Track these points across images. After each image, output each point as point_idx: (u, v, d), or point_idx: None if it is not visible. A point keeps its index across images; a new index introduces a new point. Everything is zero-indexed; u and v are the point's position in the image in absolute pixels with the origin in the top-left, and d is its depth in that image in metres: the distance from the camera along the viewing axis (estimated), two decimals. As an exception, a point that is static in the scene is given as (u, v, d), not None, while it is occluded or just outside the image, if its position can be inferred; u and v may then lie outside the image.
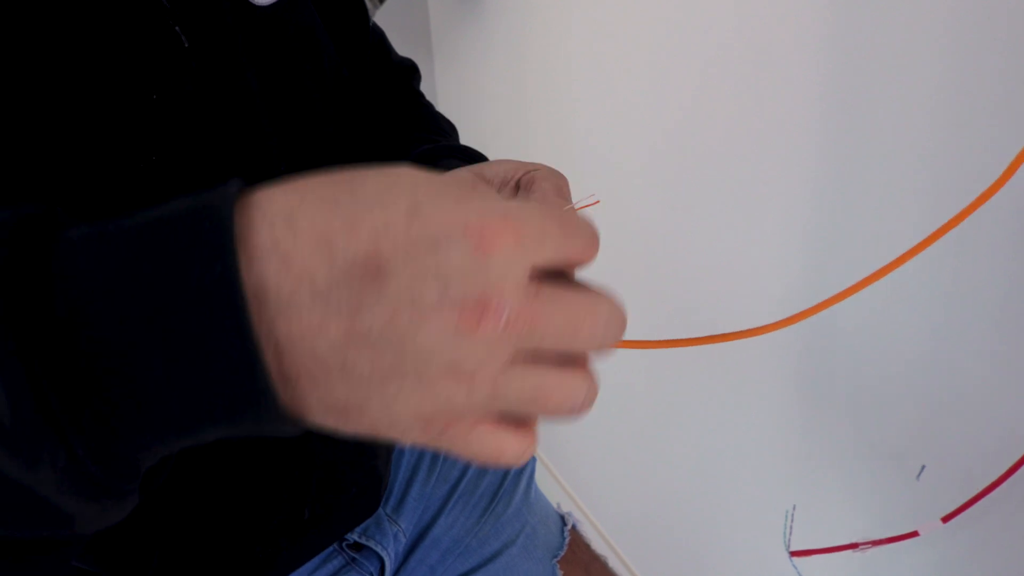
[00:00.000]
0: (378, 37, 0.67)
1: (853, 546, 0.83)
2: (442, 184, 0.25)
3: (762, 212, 0.87)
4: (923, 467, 0.74)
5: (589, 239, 0.26)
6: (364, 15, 0.63)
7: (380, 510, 0.63)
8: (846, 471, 0.87)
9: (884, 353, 0.76)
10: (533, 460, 0.75)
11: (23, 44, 0.36)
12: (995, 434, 0.67)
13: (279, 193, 0.24)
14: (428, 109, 0.68)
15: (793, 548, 0.89)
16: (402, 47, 0.73)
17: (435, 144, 0.60)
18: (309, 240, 0.23)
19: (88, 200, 0.40)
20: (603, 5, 1.08)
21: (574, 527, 0.71)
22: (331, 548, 0.60)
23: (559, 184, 0.45)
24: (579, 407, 0.26)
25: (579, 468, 1.57)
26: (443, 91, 1.75)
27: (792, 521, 0.93)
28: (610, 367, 1.28)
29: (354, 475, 0.57)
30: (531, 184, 0.45)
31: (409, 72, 0.69)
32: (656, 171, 1.07)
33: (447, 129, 0.66)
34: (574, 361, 0.26)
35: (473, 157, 0.57)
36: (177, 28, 0.41)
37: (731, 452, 1.05)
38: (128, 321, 0.22)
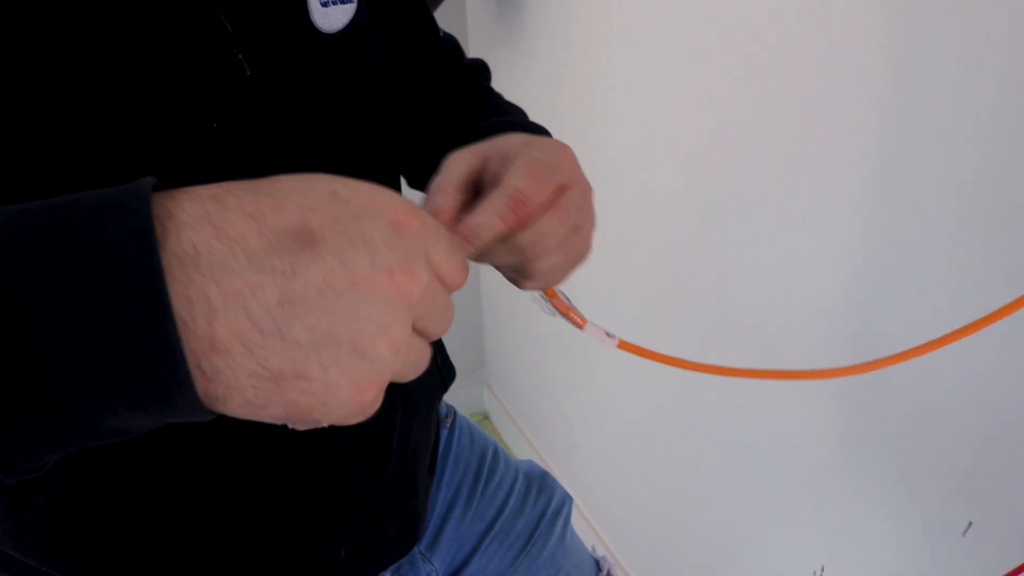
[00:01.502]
0: (451, 45, 0.65)
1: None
2: (354, 180, 0.27)
3: (809, 243, 0.85)
4: (970, 523, 0.70)
5: (464, 265, 0.30)
6: (433, 31, 0.61)
7: (414, 548, 0.61)
8: (886, 525, 0.84)
9: (935, 400, 0.73)
10: (570, 502, 0.73)
11: (83, 71, 0.35)
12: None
13: (204, 186, 0.25)
14: (497, 98, 0.64)
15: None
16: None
17: (503, 119, 0.56)
18: (239, 213, 0.24)
19: None
20: (642, 23, 1.07)
21: (609, 572, 0.70)
22: (365, 586, 0.59)
23: (537, 159, 0.39)
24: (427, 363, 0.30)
25: (613, 512, 1.53)
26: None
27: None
28: (646, 408, 1.27)
29: (394, 515, 0.56)
30: (512, 160, 0.40)
31: (479, 71, 0.66)
32: (692, 191, 1.05)
33: (512, 110, 0.62)
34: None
35: (536, 129, 0.53)
36: (240, 56, 0.40)
37: (769, 499, 1.03)
38: (36, 275, 0.22)
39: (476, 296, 2.03)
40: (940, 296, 0.69)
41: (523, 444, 1.89)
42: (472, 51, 1.78)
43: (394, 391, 0.54)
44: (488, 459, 0.71)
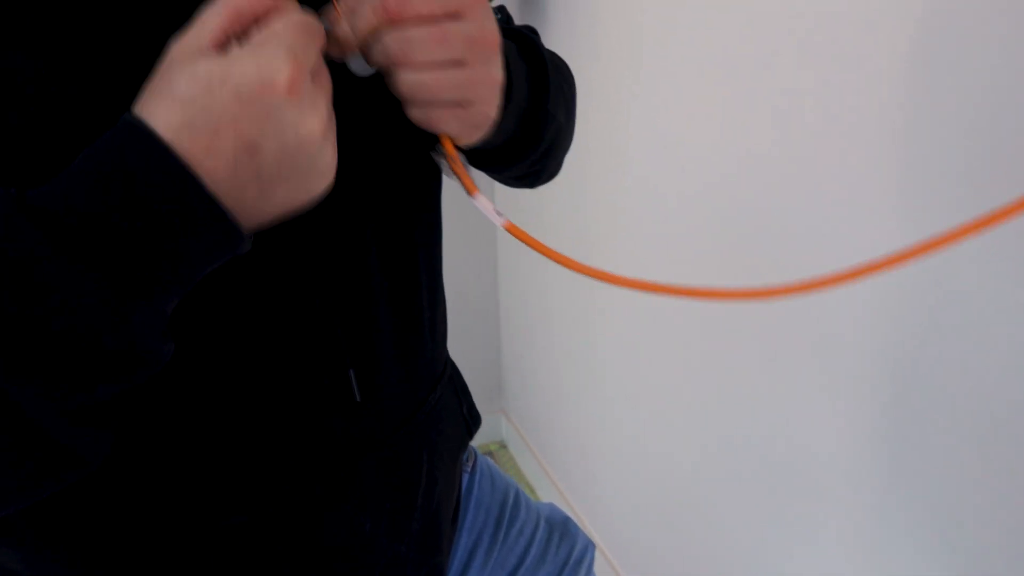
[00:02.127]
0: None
1: None
2: (233, 60, 0.33)
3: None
4: None
5: (310, 33, 0.35)
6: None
7: None
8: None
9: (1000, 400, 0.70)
10: (592, 549, 0.72)
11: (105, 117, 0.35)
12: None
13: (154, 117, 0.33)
14: (547, 52, 0.59)
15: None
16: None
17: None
18: (201, 150, 0.32)
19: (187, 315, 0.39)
20: (668, 31, 1.06)
21: None
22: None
23: None
24: None
25: (638, 559, 1.50)
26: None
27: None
28: (670, 441, 1.25)
29: (417, 571, 0.55)
30: None
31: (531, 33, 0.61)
32: (717, 201, 1.04)
33: (559, 63, 0.59)
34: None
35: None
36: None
37: (807, 539, 1.01)
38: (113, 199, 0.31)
39: (495, 327, 2.02)
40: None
41: (540, 474, 1.87)
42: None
43: (420, 443, 0.54)
44: (509, 504, 0.69)
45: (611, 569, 1.56)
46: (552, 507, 0.74)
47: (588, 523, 1.69)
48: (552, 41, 1.42)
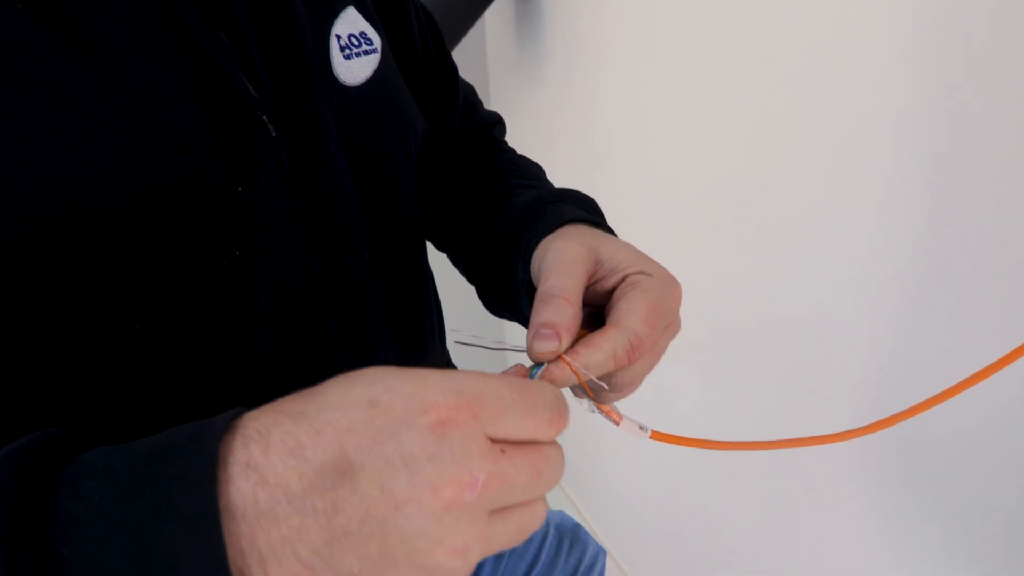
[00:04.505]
0: (465, 94, 0.63)
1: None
2: (400, 373, 0.26)
3: (844, 286, 0.80)
4: None
5: (552, 416, 0.28)
6: (453, 72, 0.60)
7: None
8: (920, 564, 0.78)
9: (979, 432, 0.66)
10: (603, 556, 0.69)
11: (101, 141, 0.33)
12: None
13: (260, 414, 0.26)
14: (511, 154, 0.63)
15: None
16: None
17: (539, 190, 0.53)
18: (280, 452, 0.24)
19: (174, 310, 0.36)
20: (664, 48, 1.03)
21: None
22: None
23: (657, 301, 0.38)
24: (541, 521, 0.29)
25: (649, 567, 1.46)
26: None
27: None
28: (668, 462, 1.21)
29: None
30: (627, 292, 0.38)
31: (492, 125, 0.65)
32: (721, 219, 1.01)
33: (535, 171, 0.60)
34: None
35: (584, 202, 0.51)
36: (264, 117, 0.38)
37: (812, 546, 0.97)
38: (113, 549, 0.23)
39: (499, 329, 1.98)
40: (982, 336, 0.63)
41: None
42: (493, 83, 1.76)
43: None
44: (519, 512, 0.65)
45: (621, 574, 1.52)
46: (562, 514, 0.71)
47: (598, 530, 1.65)
48: (548, 46, 1.39)
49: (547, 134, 1.47)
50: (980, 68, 0.60)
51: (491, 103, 1.76)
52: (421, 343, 0.53)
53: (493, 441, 0.26)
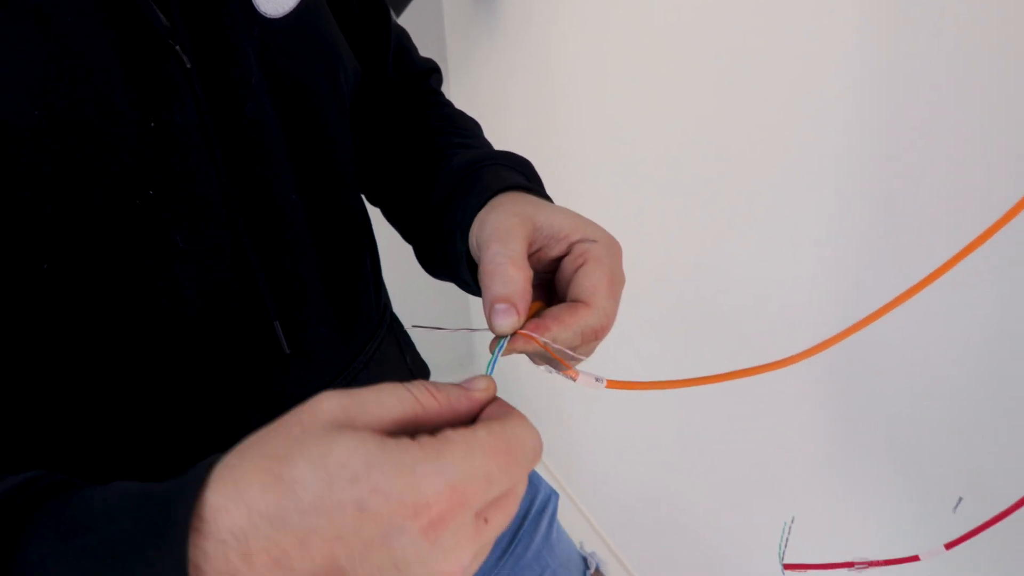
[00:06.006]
0: (398, 37, 0.61)
1: (849, 564, 0.80)
2: (383, 460, 0.23)
3: (789, 228, 0.83)
4: (960, 499, 0.68)
5: (533, 461, 0.27)
6: (385, 14, 0.57)
7: None
8: (859, 486, 0.82)
9: (925, 379, 0.71)
10: (555, 498, 0.70)
11: (11, 73, 0.31)
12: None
13: (226, 505, 0.23)
14: (448, 108, 0.62)
15: (787, 561, 0.87)
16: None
17: (475, 150, 0.53)
18: (264, 562, 0.22)
19: (84, 250, 0.34)
20: (621, 13, 1.04)
21: (597, 569, 0.66)
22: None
23: (612, 271, 0.39)
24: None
25: (606, 500, 1.50)
26: (458, 102, 1.71)
27: (789, 533, 0.90)
28: (627, 396, 1.25)
29: None
30: (583, 265, 0.38)
31: (428, 73, 0.63)
32: (669, 176, 1.02)
33: (471, 127, 0.59)
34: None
35: (521, 164, 0.50)
36: (177, 48, 0.36)
37: (759, 470, 1.01)
38: None
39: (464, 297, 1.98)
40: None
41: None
42: (449, 42, 1.73)
43: None
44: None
45: (582, 517, 1.57)
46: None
47: (559, 472, 1.69)
48: (503, 37, 1.38)
49: (503, 91, 1.46)
50: (930, 32, 0.62)
51: (448, 61, 1.74)
52: (355, 287, 0.52)
53: (477, 513, 0.26)
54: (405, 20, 1.54)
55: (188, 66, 0.37)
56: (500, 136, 1.54)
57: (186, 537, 0.22)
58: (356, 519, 0.23)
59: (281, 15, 0.42)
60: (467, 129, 0.58)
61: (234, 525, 0.23)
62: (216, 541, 0.22)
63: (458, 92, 1.72)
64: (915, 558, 0.74)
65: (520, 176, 0.47)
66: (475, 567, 0.26)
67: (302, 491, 0.23)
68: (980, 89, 0.57)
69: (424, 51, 0.64)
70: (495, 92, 1.51)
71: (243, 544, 0.22)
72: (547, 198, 0.47)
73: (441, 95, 0.63)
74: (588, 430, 1.48)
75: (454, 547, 0.25)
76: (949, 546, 0.71)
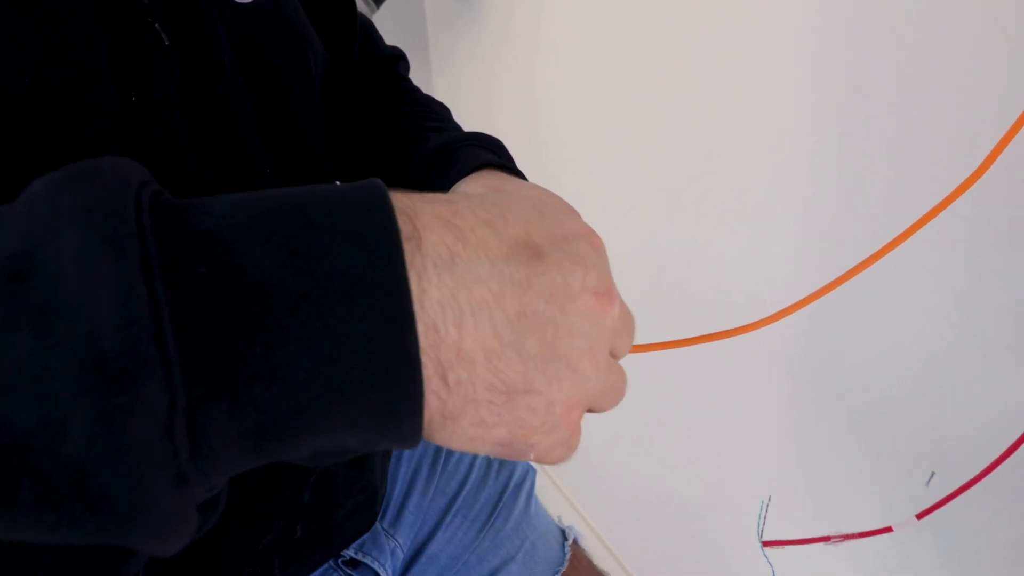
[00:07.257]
0: (364, 27, 0.62)
1: (825, 539, 0.82)
2: (543, 195, 0.28)
3: (759, 209, 0.84)
4: (932, 473, 0.70)
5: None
6: (351, 5, 0.58)
7: (377, 525, 0.59)
8: (833, 464, 0.84)
9: (894, 358, 0.73)
10: (533, 473, 0.71)
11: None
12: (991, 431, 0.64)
13: (424, 193, 0.24)
14: (417, 94, 0.62)
15: (765, 538, 0.88)
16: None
17: (448, 133, 0.54)
18: (476, 221, 0.23)
19: None
20: (610, 8, 1.04)
21: (576, 541, 0.67)
22: (327, 565, 0.56)
23: None
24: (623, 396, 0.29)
25: (583, 478, 1.52)
26: (441, 98, 1.70)
27: (767, 511, 0.91)
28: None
29: (348, 490, 0.53)
30: None
31: (395, 60, 0.64)
32: (654, 170, 1.03)
33: (441, 112, 0.60)
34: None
35: (493, 144, 0.51)
36: (157, 25, 0.36)
37: (735, 449, 1.03)
38: (270, 260, 0.19)
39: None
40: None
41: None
42: (431, 37, 1.73)
43: None
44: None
45: (560, 495, 1.57)
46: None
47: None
48: (485, 31, 1.38)
49: (487, 86, 1.46)
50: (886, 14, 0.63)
51: (431, 53, 1.74)
52: None
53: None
54: (385, 14, 1.53)
55: (167, 43, 0.37)
56: (484, 131, 1.54)
57: (384, 187, 0.22)
58: (539, 214, 0.25)
59: (249, 0, 0.43)
60: (438, 113, 0.59)
61: (433, 195, 0.24)
62: (423, 199, 0.23)
63: (442, 88, 1.71)
64: (888, 529, 0.76)
65: (493, 156, 0.48)
66: (616, 328, 0.26)
67: (490, 198, 0.25)
68: (955, 89, 0.59)
69: (405, 46, 0.65)
70: (479, 86, 1.51)
71: (450, 205, 0.23)
72: (521, 175, 0.48)
73: (409, 81, 0.64)
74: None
75: (608, 270, 0.26)
76: (920, 516, 0.72)
